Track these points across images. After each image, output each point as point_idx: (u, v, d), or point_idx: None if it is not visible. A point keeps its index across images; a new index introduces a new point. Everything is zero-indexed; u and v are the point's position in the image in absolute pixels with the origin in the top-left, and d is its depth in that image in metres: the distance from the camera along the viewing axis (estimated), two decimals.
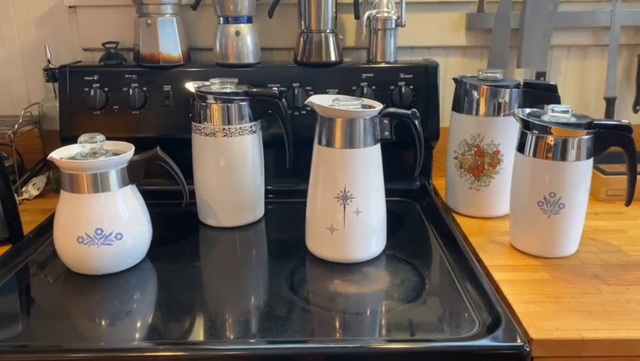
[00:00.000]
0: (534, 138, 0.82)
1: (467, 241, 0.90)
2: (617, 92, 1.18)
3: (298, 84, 1.07)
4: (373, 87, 1.07)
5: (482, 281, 0.77)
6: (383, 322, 0.71)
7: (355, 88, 1.07)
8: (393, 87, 1.08)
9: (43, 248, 0.90)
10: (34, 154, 1.16)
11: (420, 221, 1.01)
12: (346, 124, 0.79)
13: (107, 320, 0.73)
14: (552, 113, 0.83)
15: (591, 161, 0.82)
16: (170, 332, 0.69)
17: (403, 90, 1.07)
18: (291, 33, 1.12)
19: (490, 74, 0.98)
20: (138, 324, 0.72)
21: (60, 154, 0.79)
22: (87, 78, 1.07)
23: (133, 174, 0.81)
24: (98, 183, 0.78)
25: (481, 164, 0.96)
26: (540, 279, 0.78)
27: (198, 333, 0.70)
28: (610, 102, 1.18)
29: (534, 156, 0.82)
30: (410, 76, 1.08)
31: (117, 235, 0.79)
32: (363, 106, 0.82)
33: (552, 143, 0.80)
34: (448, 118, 1.03)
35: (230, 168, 0.95)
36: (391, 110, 0.82)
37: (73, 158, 0.79)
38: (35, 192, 1.10)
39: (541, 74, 1.17)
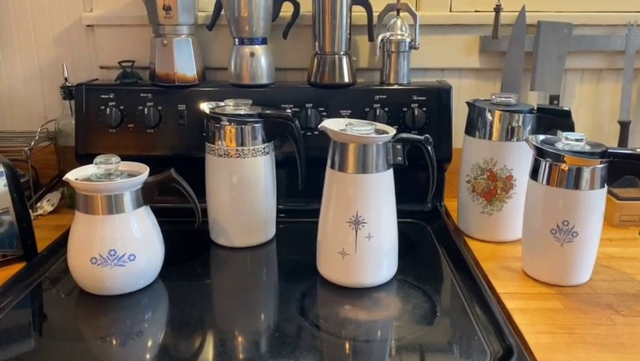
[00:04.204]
0: (548, 165, 0.81)
1: (479, 267, 0.90)
2: (631, 116, 1.18)
3: (311, 105, 1.08)
4: (386, 109, 1.08)
5: (494, 310, 0.76)
6: (394, 350, 0.71)
7: (368, 109, 1.08)
8: (406, 109, 1.08)
9: (56, 266, 0.91)
10: (49, 169, 1.18)
11: (431, 244, 1.01)
12: (359, 149, 0.80)
13: (119, 340, 0.73)
14: (566, 141, 0.82)
15: (605, 189, 0.81)
16: (180, 354, 0.69)
17: (416, 112, 1.07)
18: (305, 54, 1.13)
19: (503, 99, 0.98)
20: (149, 344, 0.73)
21: (75, 175, 0.80)
22: (103, 96, 1.08)
23: (147, 196, 0.82)
24: (113, 205, 0.78)
25: (493, 188, 0.96)
26: (552, 308, 0.78)
27: (208, 356, 0.70)
28: (624, 126, 1.17)
29: (547, 183, 0.81)
30: (423, 98, 1.08)
31: (130, 257, 0.79)
32: (377, 131, 0.82)
33: (566, 171, 0.80)
34: (460, 139, 1.03)
35: (243, 189, 0.95)
36: (404, 135, 0.82)
37: (88, 179, 0.80)
38: (49, 208, 1.11)
39: (554, 98, 1.17)
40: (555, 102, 1.17)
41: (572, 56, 1.16)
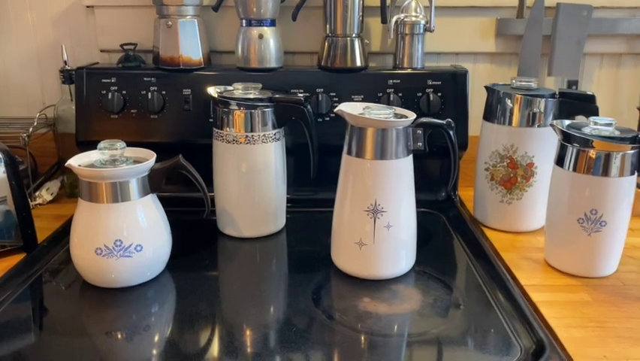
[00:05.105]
0: (575, 151, 0.77)
1: (499, 258, 0.86)
2: None
3: (322, 90, 1.04)
4: (400, 94, 1.03)
5: (520, 303, 0.73)
6: (417, 346, 0.67)
7: (381, 95, 1.04)
8: (420, 94, 1.04)
9: (57, 258, 0.87)
10: (47, 157, 1.13)
11: (448, 234, 0.97)
12: (378, 134, 0.76)
13: (125, 335, 0.69)
14: (594, 126, 0.78)
15: (635, 177, 0.77)
16: (188, 349, 0.66)
17: (431, 97, 1.03)
18: (315, 37, 1.09)
19: (523, 83, 0.94)
20: (156, 339, 0.69)
21: (78, 161, 0.76)
22: (105, 80, 1.03)
23: (154, 183, 0.78)
24: (118, 193, 0.74)
25: (513, 176, 0.92)
26: (581, 301, 0.74)
27: (218, 351, 0.67)
28: None
29: (574, 170, 0.78)
30: (438, 83, 1.04)
31: (137, 247, 0.75)
32: (396, 115, 0.78)
33: (594, 157, 0.76)
34: (475, 126, 0.99)
35: (252, 177, 0.91)
36: (425, 119, 0.78)
37: (92, 165, 0.75)
38: (49, 197, 1.06)
39: (572, 83, 1.13)
40: (574, 87, 1.13)
41: (591, 40, 1.12)
